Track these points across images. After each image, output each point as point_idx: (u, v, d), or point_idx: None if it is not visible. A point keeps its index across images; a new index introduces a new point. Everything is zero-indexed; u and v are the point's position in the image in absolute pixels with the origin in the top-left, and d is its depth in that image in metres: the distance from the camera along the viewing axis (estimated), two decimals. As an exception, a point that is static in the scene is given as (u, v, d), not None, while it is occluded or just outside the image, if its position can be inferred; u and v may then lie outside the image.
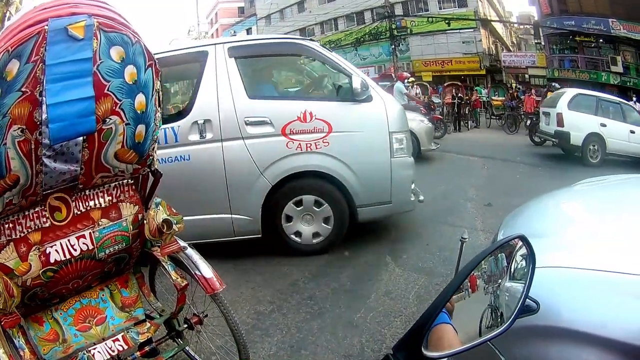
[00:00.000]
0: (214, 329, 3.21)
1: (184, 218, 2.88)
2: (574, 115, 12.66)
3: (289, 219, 5.23)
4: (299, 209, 5.21)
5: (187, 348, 3.14)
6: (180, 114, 5.16)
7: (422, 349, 1.13)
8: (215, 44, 5.29)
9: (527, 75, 37.34)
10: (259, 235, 5.20)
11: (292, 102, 5.27)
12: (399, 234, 5.71)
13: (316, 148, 5.03)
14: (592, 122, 12.57)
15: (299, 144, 5.02)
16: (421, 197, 5.71)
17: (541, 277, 1.92)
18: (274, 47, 5.64)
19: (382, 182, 5.23)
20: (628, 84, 28.08)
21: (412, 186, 5.53)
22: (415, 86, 19.62)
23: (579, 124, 12.56)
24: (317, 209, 5.22)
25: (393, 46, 37.50)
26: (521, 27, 45.81)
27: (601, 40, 30.67)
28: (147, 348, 2.79)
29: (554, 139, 13.16)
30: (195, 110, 5.04)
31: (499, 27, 44.31)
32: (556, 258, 2.12)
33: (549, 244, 2.35)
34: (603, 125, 12.49)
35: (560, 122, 12.72)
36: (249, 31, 59.86)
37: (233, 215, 5.08)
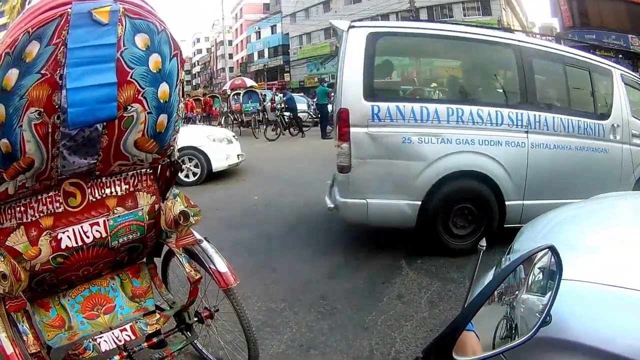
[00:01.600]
0: (224, 323, 3.19)
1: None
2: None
3: None
4: None
5: (195, 341, 3.13)
6: (602, 115, 6.01)
7: (453, 354, 1.15)
8: (613, 67, 6.29)
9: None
10: None
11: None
12: (415, 238, 5.68)
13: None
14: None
15: None
16: None
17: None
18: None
19: None
20: None
21: None
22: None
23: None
24: None
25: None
26: (543, 38, 45.48)
27: (620, 56, 30.29)
28: (155, 339, 2.78)
29: None
30: (613, 115, 6.02)
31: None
32: (570, 271, 2.07)
33: (563, 256, 2.33)
34: None
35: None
36: (273, 28, 60.11)
37: None
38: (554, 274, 1.53)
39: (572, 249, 2.37)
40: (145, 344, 2.74)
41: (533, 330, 1.41)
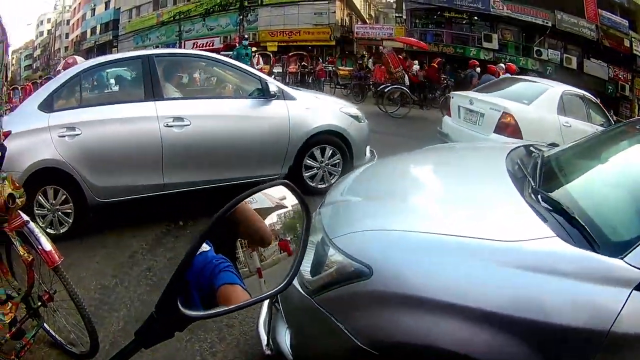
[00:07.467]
0: (69, 307, 3.20)
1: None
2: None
3: None
4: None
5: (47, 327, 3.18)
6: None
7: (180, 307, 1.11)
8: None
9: (381, 48, 38.04)
10: None
11: None
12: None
13: None
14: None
15: None
16: None
17: (373, 240, 2.10)
18: None
19: None
20: (503, 60, 27.82)
21: None
22: (257, 56, 20.05)
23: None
24: None
25: (240, 17, 37.00)
26: (382, 0, 46.64)
27: (475, 18, 31.83)
28: (13, 329, 2.83)
29: None
30: None
31: (357, 0, 44.96)
32: (392, 221, 2.22)
33: (384, 206, 2.47)
34: None
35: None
36: (107, 4, 56.97)
37: None
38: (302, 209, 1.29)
39: (396, 199, 2.57)
40: (8, 335, 2.78)
41: (282, 284, 1.23)
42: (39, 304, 3.03)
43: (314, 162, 6.35)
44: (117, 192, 5.46)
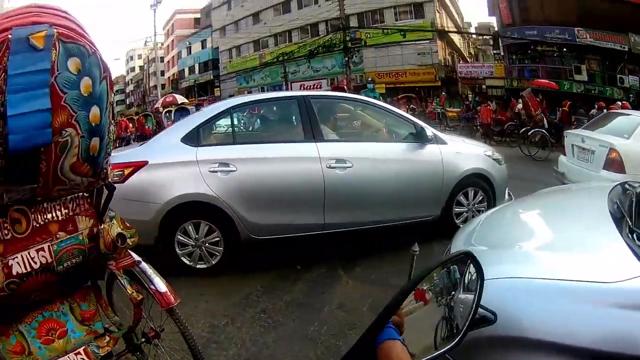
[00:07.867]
0: (172, 342, 3.20)
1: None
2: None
3: None
4: None
5: None
6: None
7: None
8: None
9: (484, 86, 37.74)
10: None
11: None
12: (350, 247, 5.85)
13: None
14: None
15: None
16: None
17: (498, 288, 2.14)
18: None
19: None
20: (592, 92, 28.42)
21: None
22: None
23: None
24: None
25: (346, 58, 37.51)
26: (480, 38, 46.43)
27: (565, 50, 31.32)
28: None
29: None
30: None
31: (456, 38, 44.89)
32: (513, 269, 2.27)
33: (505, 254, 2.53)
34: None
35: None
36: (204, 43, 60.01)
37: None
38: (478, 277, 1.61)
39: (514, 247, 2.65)
40: None
41: (459, 336, 1.46)
42: (142, 340, 3.00)
43: (462, 204, 6.40)
44: (274, 230, 5.50)
